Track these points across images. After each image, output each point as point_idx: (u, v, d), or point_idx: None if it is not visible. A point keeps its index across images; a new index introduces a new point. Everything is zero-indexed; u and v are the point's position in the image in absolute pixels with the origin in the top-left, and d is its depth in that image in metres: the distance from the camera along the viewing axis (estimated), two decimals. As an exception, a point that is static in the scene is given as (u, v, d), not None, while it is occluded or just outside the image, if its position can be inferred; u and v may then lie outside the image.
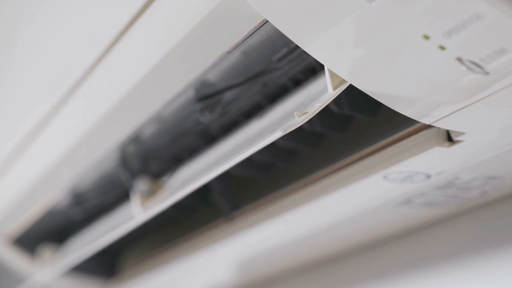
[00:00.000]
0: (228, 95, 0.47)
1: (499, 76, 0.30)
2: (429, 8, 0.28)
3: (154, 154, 0.58)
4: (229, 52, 0.41)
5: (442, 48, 0.30)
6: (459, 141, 0.37)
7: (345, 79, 0.35)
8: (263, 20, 0.37)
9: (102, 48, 0.46)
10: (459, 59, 0.30)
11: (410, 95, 0.33)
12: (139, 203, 0.55)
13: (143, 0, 0.41)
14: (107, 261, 0.75)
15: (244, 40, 0.39)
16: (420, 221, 0.54)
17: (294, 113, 0.36)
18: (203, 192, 0.58)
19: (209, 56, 0.42)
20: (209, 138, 0.54)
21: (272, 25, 0.34)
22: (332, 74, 0.35)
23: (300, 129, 0.45)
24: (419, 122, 0.36)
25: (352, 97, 0.41)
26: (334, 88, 0.35)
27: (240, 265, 0.65)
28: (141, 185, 0.56)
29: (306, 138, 0.48)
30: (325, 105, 0.36)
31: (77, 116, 0.54)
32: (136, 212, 0.55)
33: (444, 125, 0.35)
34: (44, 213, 0.68)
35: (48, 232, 0.73)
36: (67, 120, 0.54)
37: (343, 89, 0.35)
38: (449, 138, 0.37)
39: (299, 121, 0.36)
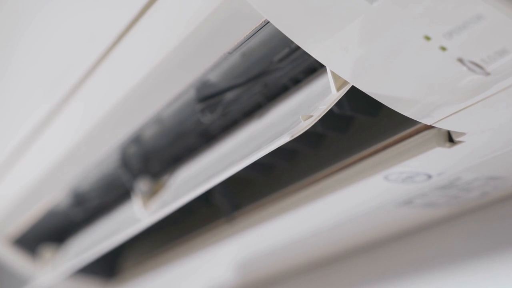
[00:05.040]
0: (229, 95, 0.47)
1: (500, 76, 0.30)
2: (430, 9, 0.28)
3: (154, 155, 0.58)
4: (230, 53, 0.41)
5: (443, 48, 0.30)
6: (460, 142, 0.37)
7: (347, 80, 0.35)
8: (265, 20, 0.37)
9: (102, 48, 0.46)
10: (460, 60, 0.30)
11: (411, 95, 0.33)
12: (141, 204, 0.55)
13: (144, 0, 0.41)
14: (108, 261, 0.75)
15: (246, 41, 0.39)
16: (421, 221, 0.54)
17: (300, 117, 0.36)
18: (204, 193, 0.58)
19: (210, 56, 0.42)
20: (210, 138, 0.54)
21: (273, 26, 0.34)
22: (334, 75, 0.35)
23: (300, 130, 0.45)
24: (420, 122, 0.36)
25: (353, 97, 0.41)
26: (338, 89, 0.35)
27: (240, 265, 0.65)
28: (142, 185, 0.56)
29: (307, 139, 0.48)
30: (330, 107, 0.36)
31: (77, 117, 0.54)
32: (139, 214, 0.55)
33: (445, 125, 0.35)
34: (44, 213, 0.68)
35: (49, 233, 0.73)
36: (67, 120, 0.54)
37: (347, 90, 0.35)
38: (450, 138, 0.37)
39: (305, 125, 0.36)
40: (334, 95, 0.35)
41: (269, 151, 0.39)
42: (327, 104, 0.36)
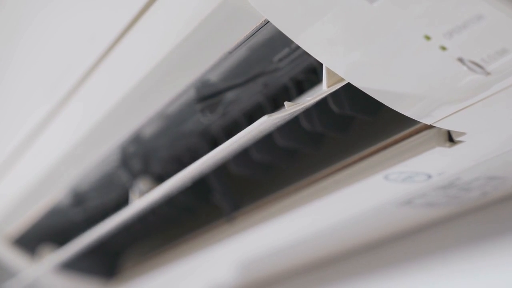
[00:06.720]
0: (229, 95, 0.47)
1: (500, 76, 0.30)
2: (430, 8, 0.28)
3: (154, 155, 0.58)
4: (230, 53, 0.41)
5: (443, 48, 0.30)
6: (460, 142, 0.37)
7: (344, 78, 0.35)
8: (265, 20, 0.37)
9: (102, 48, 0.46)
10: (460, 60, 0.30)
11: (411, 95, 0.33)
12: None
13: (143, 0, 0.41)
14: (108, 261, 0.75)
15: (246, 40, 0.39)
16: (421, 221, 0.54)
17: (285, 103, 0.37)
18: (204, 193, 0.58)
19: (210, 56, 0.42)
20: (210, 139, 0.54)
21: (273, 25, 0.34)
22: (330, 72, 0.35)
23: (300, 129, 0.45)
24: (420, 122, 0.36)
25: (353, 97, 0.41)
26: (329, 86, 0.35)
27: (240, 265, 0.65)
28: (142, 185, 0.55)
29: (307, 138, 0.48)
30: (316, 100, 0.36)
31: (77, 117, 0.54)
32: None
33: (445, 125, 0.35)
34: (44, 213, 0.68)
35: (49, 233, 0.73)
36: (67, 120, 0.54)
37: (338, 87, 0.35)
38: (450, 138, 0.37)
39: (288, 110, 0.37)
40: (324, 90, 0.36)
41: (250, 134, 0.39)
42: (313, 96, 0.36)
